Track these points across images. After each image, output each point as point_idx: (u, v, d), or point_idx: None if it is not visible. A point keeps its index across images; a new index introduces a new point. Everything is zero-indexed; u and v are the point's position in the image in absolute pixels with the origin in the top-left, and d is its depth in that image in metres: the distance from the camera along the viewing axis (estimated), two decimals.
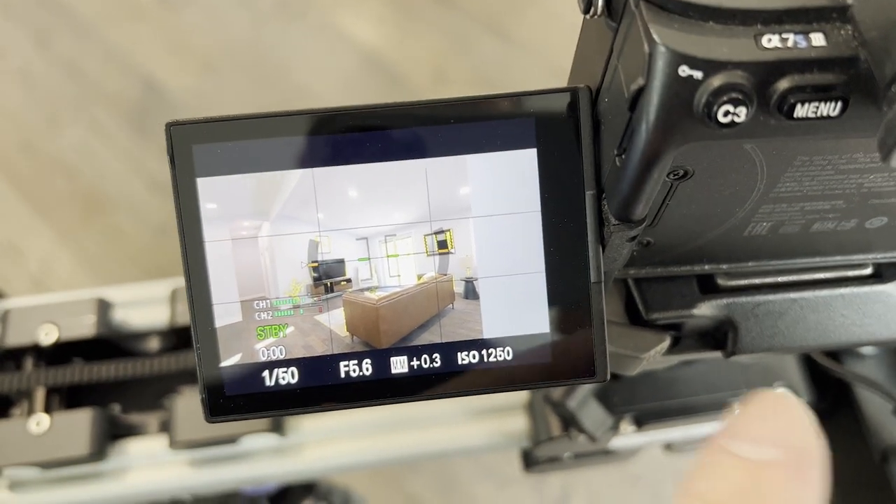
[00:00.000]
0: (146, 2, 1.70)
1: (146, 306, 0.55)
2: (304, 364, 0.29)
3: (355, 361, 0.29)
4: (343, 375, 0.29)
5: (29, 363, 0.52)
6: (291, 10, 1.69)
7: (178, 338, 0.55)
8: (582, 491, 1.22)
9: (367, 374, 0.29)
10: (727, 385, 0.50)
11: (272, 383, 0.29)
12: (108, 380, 0.51)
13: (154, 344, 0.55)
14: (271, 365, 0.29)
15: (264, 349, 0.29)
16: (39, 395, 0.52)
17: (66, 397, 0.53)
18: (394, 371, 0.29)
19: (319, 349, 0.29)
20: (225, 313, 0.29)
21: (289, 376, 0.29)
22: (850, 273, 0.35)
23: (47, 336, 0.52)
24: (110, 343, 0.54)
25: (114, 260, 1.46)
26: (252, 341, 0.29)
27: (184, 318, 0.53)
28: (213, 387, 0.29)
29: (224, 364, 0.29)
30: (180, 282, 0.54)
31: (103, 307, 0.53)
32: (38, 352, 0.52)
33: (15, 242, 1.48)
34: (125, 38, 1.67)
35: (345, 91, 1.61)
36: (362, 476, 1.06)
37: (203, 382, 0.29)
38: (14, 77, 1.62)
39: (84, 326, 0.52)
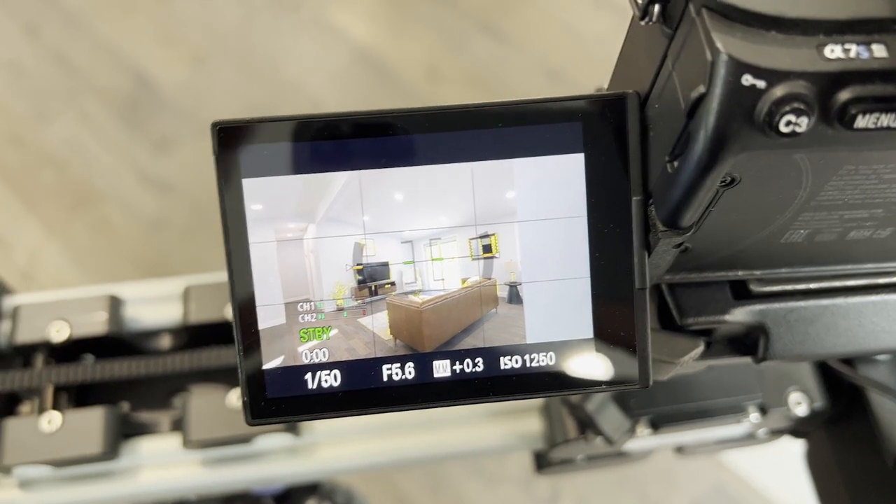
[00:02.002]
0: None
1: (158, 304, 0.54)
2: (346, 367, 0.29)
3: (398, 365, 0.29)
4: (386, 379, 0.29)
5: (39, 360, 0.51)
6: (284, 5, 1.68)
7: (189, 336, 0.54)
8: (570, 491, 1.23)
9: (410, 377, 0.29)
10: (743, 389, 0.50)
11: (314, 386, 0.29)
12: (120, 378, 0.51)
13: (166, 342, 0.55)
14: (314, 367, 0.29)
15: (307, 352, 0.29)
16: (49, 393, 0.51)
17: (75, 395, 0.53)
18: (436, 375, 0.29)
19: (362, 352, 0.29)
20: (269, 315, 0.28)
21: (331, 379, 0.29)
22: (881, 280, 0.35)
23: (59, 333, 0.51)
24: (120, 340, 0.54)
25: (103, 254, 1.45)
26: (295, 343, 0.29)
27: (196, 316, 0.53)
28: (254, 389, 0.29)
29: (266, 366, 0.29)
30: (193, 279, 0.54)
31: (115, 304, 0.52)
32: (48, 349, 0.52)
33: (2, 235, 1.46)
34: (116, 31, 1.65)
35: (337, 87, 1.60)
36: (358, 474, 1.06)
37: (245, 385, 0.28)
38: (3, 69, 1.60)
39: (96, 324, 0.51)
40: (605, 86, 0.33)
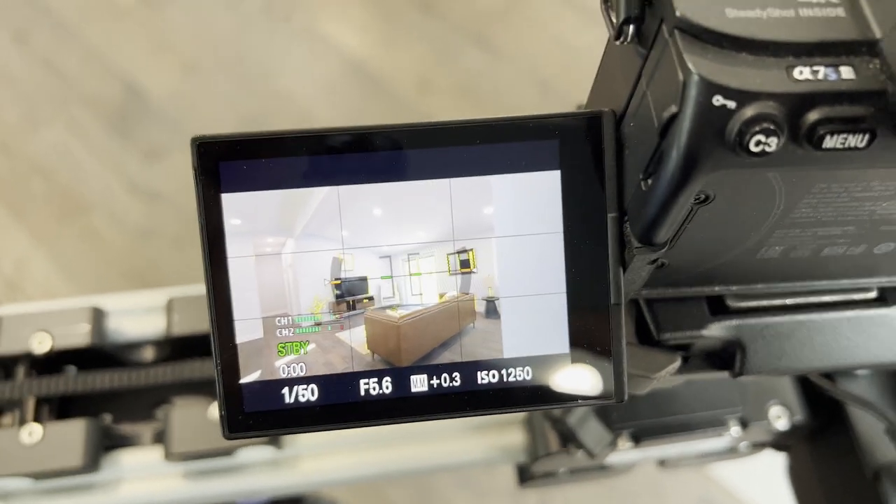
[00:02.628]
0: (127, 1, 1.68)
1: (141, 316, 0.54)
2: (324, 381, 0.29)
3: (376, 379, 0.29)
4: (363, 393, 0.29)
5: (21, 372, 0.51)
6: (275, 14, 1.68)
7: (172, 348, 0.54)
8: (559, 502, 1.23)
9: (388, 392, 0.29)
10: (724, 402, 0.51)
11: (292, 400, 0.29)
12: (102, 390, 0.50)
13: (148, 354, 0.54)
14: (291, 382, 0.29)
15: (285, 366, 0.29)
16: (30, 405, 0.51)
17: (56, 407, 0.53)
18: (413, 390, 0.29)
19: (340, 367, 0.29)
20: (246, 329, 0.28)
21: (308, 394, 0.29)
22: (856, 296, 0.36)
23: (41, 345, 0.51)
24: (103, 352, 0.54)
25: (90, 263, 1.44)
26: (272, 358, 0.29)
27: (179, 327, 0.53)
28: (232, 403, 0.29)
29: (244, 380, 0.29)
30: (176, 291, 0.54)
31: (98, 316, 0.52)
32: (30, 360, 0.51)
33: None
34: (106, 38, 1.65)
35: (327, 98, 1.60)
36: (343, 486, 1.06)
37: (222, 399, 0.28)
38: None
39: (78, 335, 0.51)
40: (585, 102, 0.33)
